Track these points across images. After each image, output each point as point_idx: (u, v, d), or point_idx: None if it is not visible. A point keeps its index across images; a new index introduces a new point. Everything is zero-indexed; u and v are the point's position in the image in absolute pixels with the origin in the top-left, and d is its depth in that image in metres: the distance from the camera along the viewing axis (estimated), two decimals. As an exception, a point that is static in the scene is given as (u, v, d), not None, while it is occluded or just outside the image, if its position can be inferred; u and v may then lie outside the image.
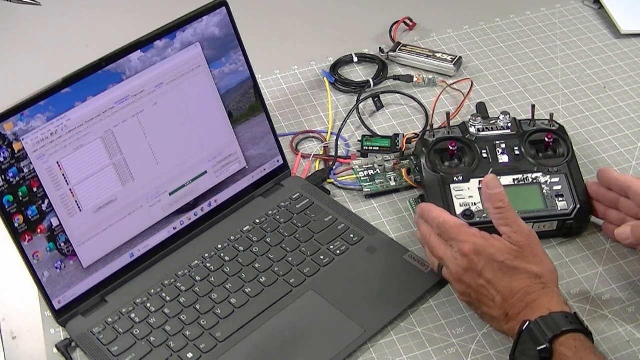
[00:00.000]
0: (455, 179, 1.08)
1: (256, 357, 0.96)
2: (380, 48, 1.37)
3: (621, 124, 1.24)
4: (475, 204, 1.05)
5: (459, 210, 1.04)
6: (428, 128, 1.14)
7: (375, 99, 1.28)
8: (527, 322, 0.88)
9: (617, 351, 0.95)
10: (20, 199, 0.94)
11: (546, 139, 1.11)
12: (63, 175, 0.97)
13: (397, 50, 1.35)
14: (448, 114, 1.15)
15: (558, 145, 1.11)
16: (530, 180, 1.08)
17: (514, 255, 0.93)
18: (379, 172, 1.16)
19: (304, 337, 0.97)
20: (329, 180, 1.16)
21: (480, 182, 1.07)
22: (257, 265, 1.04)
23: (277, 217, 1.10)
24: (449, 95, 1.29)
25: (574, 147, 1.11)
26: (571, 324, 0.87)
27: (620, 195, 1.03)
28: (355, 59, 1.36)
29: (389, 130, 1.24)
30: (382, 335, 0.98)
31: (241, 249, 1.06)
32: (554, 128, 1.13)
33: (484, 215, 1.04)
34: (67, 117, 0.96)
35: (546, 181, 1.07)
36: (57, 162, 0.96)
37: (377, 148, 1.19)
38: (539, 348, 0.86)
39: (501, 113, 1.14)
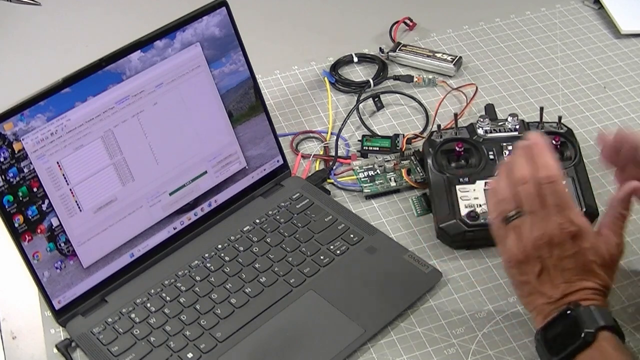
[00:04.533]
0: (460, 180, 1.08)
1: (256, 357, 0.96)
2: (380, 48, 1.37)
3: (621, 124, 1.24)
4: (480, 205, 1.05)
5: (464, 211, 1.04)
6: (435, 129, 1.14)
7: (375, 99, 1.28)
8: (579, 304, 0.86)
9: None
10: (20, 199, 0.94)
11: (553, 142, 1.11)
12: (63, 175, 0.97)
13: (397, 50, 1.36)
14: (456, 115, 1.15)
15: (565, 149, 1.11)
16: None
17: (601, 261, 0.90)
18: (379, 172, 1.16)
19: (304, 337, 0.97)
20: (329, 180, 1.16)
21: (485, 183, 1.07)
22: (257, 265, 1.04)
23: (277, 217, 1.10)
24: (450, 94, 1.29)
25: (581, 150, 1.11)
26: (615, 323, 0.87)
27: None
28: (355, 59, 1.36)
29: (389, 130, 1.24)
30: (382, 335, 0.98)
31: (241, 249, 1.06)
32: (561, 131, 1.13)
33: (489, 217, 1.03)
34: (67, 117, 0.96)
35: None
36: (57, 162, 0.96)
37: (377, 148, 1.19)
38: (586, 330, 0.84)
39: (509, 115, 1.14)
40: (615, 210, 0.91)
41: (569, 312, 0.87)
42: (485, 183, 1.07)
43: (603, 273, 0.90)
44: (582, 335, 0.85)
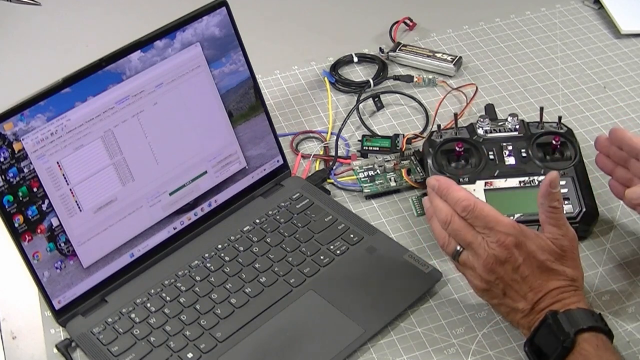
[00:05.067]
0: (461, 180, 1.08)
1: (256, 357, 0.96)
2: (380, 48, 1.37)
3: (621, 124, 1.24)
4: None
5: None
6: (435, 129, 1.14)
7: (376, 99, 1.28)
8: (555, 312, 0.88)
9: (617, 351, 0.95)
10: (20, 199, 0.94)
11: (553, 142, 1.11)
12: (63, 175, 0.97)
13: (397, 50, 1.36)
14: (456, 115, 1.15)
15: (565, 148, 1.11)
16: (537, 182, 1.07)
17: (554, 256, 0.92)
18: (379, 172, 1.16)
19: (304, 337, 0.97)
20: (329, 180, 1.16)
21: (486, 183, 1.07)
22: (257, 265, 1.04)
23: (277, 217, 1.10)
24: (450, 94, 1.29)
25: (581, 150, 1.11)
26: (596, 322, 0.88)
27: (631, 157, 1.01)
28: (355, 59, 1.36)
29: (389, 130, 1.24)
30: (382, 335, 0.98)
31: (241, 249, 1.06)
32: (561, 131, 1.13)
33: None
34: (67, 117, 0.96)
35: None
36: (57, 162, 0.96)
37: (377, 148, 1.19)
38: (562, 338, 0.86)
39: (509, 115, 1.14)
40: (545, 206, 0.93)
41: (547, 320, 0.88)
42: (486, 183, 1.07)
43: (562, 267, 0.92)
44: (562, 342, 0.87)
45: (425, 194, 1.13)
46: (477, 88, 1.29)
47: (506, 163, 1.10)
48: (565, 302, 0.90)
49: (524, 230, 0.92)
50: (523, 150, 1.11)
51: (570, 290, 0.91)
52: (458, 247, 0.94)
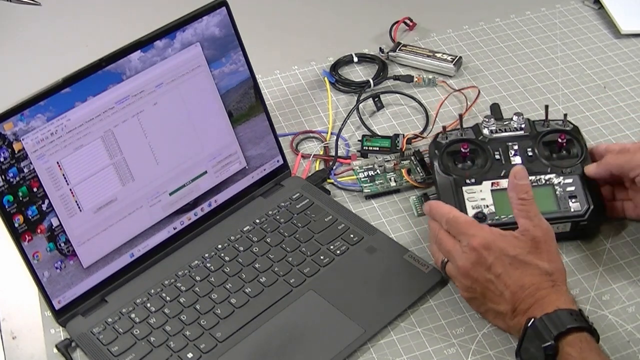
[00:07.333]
0: (467, 181, 1.07)
1: (256, 357, 0.96)
2: (380, 48, 1.37)
3: (621, 124, 1.24)
4: (487, 206, 1.04)
5: (471, 212, 1.03)
6: (440, 130, 1.13)
7: (376, 99, 1.28)
8: (532, 319, 0.88)
9: (617, 351, 0.95)
10: (20, 199, 0.94)
11: (559, 140, 1.10)
12: (63, 175, 0.97)
13: (397, 50, 1.36)
14: (460, 116, 1.15)
15: (572, 146, 1.11)
16: (544, 181, 1.07)
17: (527, 250, 0.93)
18: (379, 172, 1.16)
19: (304, 337, 0.97)
20: (329, 180, 1.16)
21: (492, 184, 1.07)
22: (257, 265, 1.04)
23: (277, 217, 1.10)
24: (450, 94, 1.29)
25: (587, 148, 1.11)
26: (576, 322, 0.87)
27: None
28: (355, 59, 1.36)
29: (389, 130, 1.24)
30: (382, 335, 0.98)
31: (241, 249, 1.06)
32: (567, 128, 1.12)
33: (496, 217, 1.03)
34: (67, 117, 0.96)
35: (559, 182, 1.07)
36: (57, 162, 0.96)
37: (377, 148, 1.19)
38: (544, 345, 0.86)
39: (514, 114, 1.13)
40: (515, 200, 0.95)
41: (528, 329, 0.88)
42: (492, 184, 1.07)
43: (536, 260, 0.92)
44: (544, 350, 0.87)
45: (425, 194, 1.13)
46: (479, 91, 1.29)
47: (512, 163, 1.09)
48: (546, 302, 0.89)
49: (493, 231, 0.95)
50: (529, 150, 1.10)
51: (548, 287, 0.91)
52: (443, 259, 0.98)
